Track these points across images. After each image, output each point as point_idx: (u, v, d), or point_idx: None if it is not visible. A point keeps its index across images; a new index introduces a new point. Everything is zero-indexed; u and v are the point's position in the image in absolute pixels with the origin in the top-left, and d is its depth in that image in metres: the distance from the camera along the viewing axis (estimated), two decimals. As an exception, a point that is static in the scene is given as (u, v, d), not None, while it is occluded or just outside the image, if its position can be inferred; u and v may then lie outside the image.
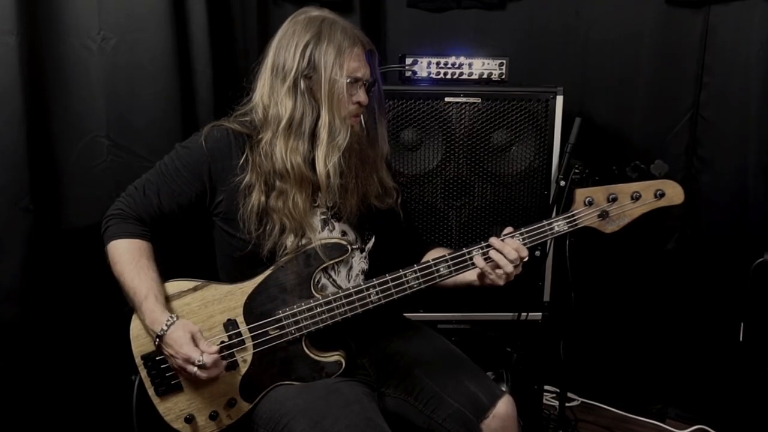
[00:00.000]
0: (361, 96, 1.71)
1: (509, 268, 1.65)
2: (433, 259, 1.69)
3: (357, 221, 1.80)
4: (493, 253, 1.66)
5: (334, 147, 1.67)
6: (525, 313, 2.39)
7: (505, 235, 1.69)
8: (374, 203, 1.81)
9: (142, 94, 2.16)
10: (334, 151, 1.67)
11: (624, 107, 2.69)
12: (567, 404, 2.60)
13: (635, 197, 1.68)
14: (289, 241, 1.71)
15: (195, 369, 1.55)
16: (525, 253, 1.67)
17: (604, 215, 1.69)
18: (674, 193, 1.69)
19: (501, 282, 1.68)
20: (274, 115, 1.69)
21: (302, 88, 1.67)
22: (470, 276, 1.74)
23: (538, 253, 2.37)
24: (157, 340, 1.60)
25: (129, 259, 1.67)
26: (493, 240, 1.67)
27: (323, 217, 1.77)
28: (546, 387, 2.76)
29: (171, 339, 1.59)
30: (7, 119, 1.91)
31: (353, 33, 1.70)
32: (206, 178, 1.70)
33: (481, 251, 1.68)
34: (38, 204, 1.99)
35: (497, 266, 1.66)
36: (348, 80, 1.67)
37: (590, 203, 1.69)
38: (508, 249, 1.65)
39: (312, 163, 1.69)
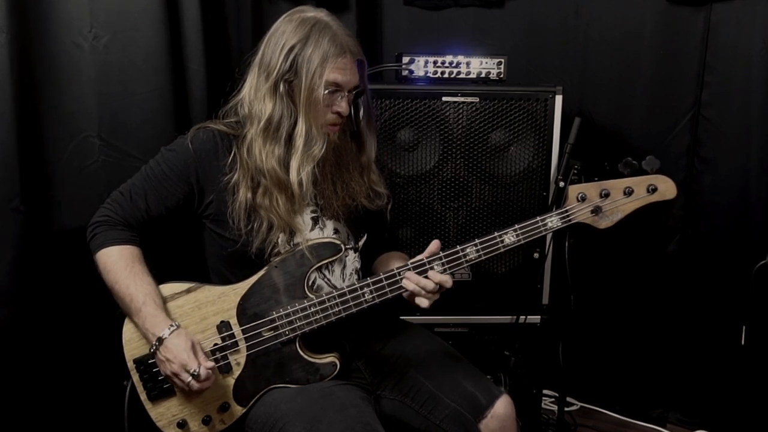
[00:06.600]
0: (342, 106, 1.69)
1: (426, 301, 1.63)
2: (427, 257, 1.66)
3: (350, 219, 1.79)
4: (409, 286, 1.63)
5: (309, 156, 1.67)
6: (523, 316, 2.37)
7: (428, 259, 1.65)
8: (363, 203, 1.80)
9: (135, 93, 2.13)
10: (308, 161, 1.67)
11: (624, 107, 2.67)
12: (566, 409, 2.59)
13: (628, 192, 1.68)
14: (279, 238, 1.70)
15: (189, 378, 1.55)
16: (449, 284, 1.63)
17: (597, 210, 1.68)
18: (666, 188, 1.68)
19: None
20: (256, 112, 1.69)
21: (281, 91, 1.66)
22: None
23: (536, 255, 2.35)
24: (157, 343, 1.59)
25: (123, 266, 1.66)
26: (410, 276, 1.62)
27: (313, 215, 1.76)
28: (545, 391, 2.75)
29: (172, 344, 1.58)
30: (-4, 118, 1.89)
31: (343, 41, 1.66)
32: (193, 179, 1.70)
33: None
34: (29, 205, 1.96)
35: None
36: (326, 91, 1.64)
37: (583, 199, 1.68)
38: (431, 285, 1.62)
39: (288, 168, 1.68)
